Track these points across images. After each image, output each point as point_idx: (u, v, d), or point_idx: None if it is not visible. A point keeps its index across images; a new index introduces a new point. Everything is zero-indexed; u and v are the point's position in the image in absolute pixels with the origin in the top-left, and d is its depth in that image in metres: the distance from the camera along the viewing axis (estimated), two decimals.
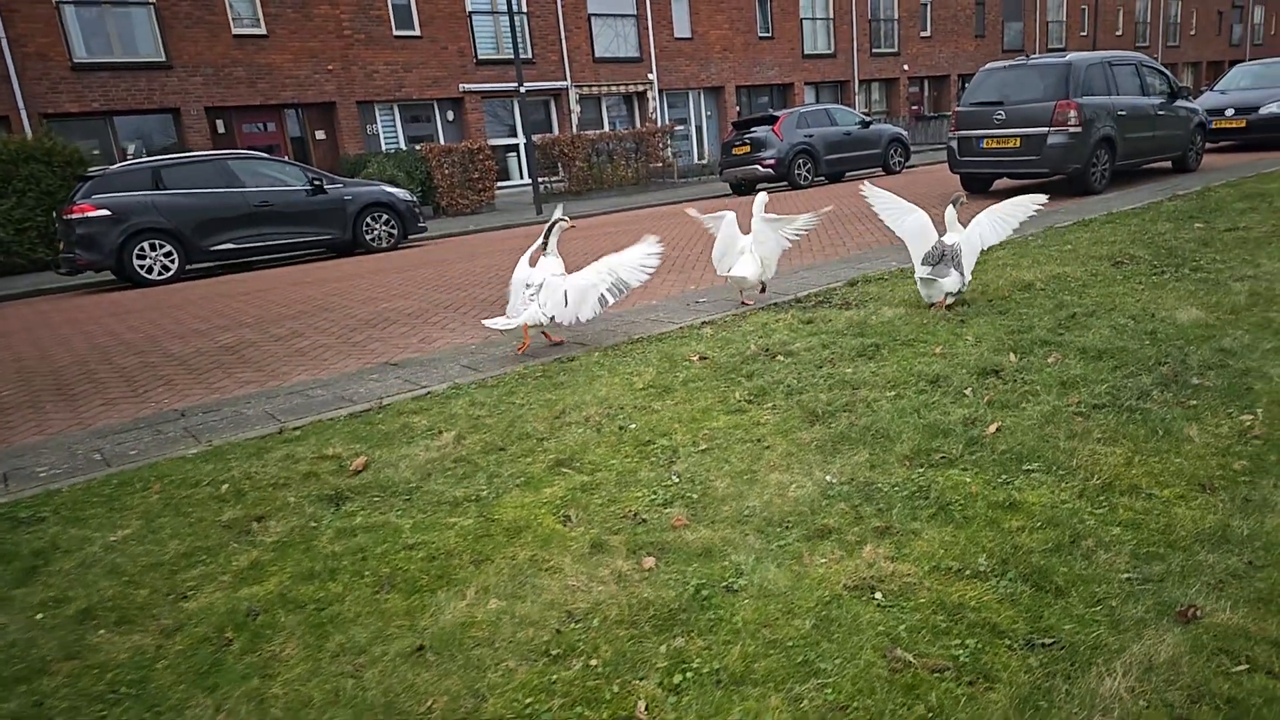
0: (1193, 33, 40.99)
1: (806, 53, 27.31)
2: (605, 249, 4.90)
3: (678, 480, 2.56)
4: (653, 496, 2.45)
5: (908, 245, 4.74)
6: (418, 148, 18.52)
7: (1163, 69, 11.07)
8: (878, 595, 1.82)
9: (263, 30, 17.95)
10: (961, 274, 4.41)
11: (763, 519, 2.25)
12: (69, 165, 13.57)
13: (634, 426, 3.06)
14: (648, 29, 23.57)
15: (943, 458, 2.52)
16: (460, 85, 20.70)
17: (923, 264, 4.50)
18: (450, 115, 21.14)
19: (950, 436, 2.66)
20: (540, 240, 4.60)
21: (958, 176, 10.93)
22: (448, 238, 14.15)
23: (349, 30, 19.02)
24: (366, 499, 2.65)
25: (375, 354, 5.11)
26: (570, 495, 2.51)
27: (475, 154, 18.35)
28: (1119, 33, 37.15)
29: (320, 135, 19.53)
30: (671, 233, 10.16)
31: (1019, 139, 9.79)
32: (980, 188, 11.01)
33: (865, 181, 5.10)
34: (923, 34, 30.36)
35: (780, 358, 3.81)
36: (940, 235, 4.59)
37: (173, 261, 10.81)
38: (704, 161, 24.57)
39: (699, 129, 25.90)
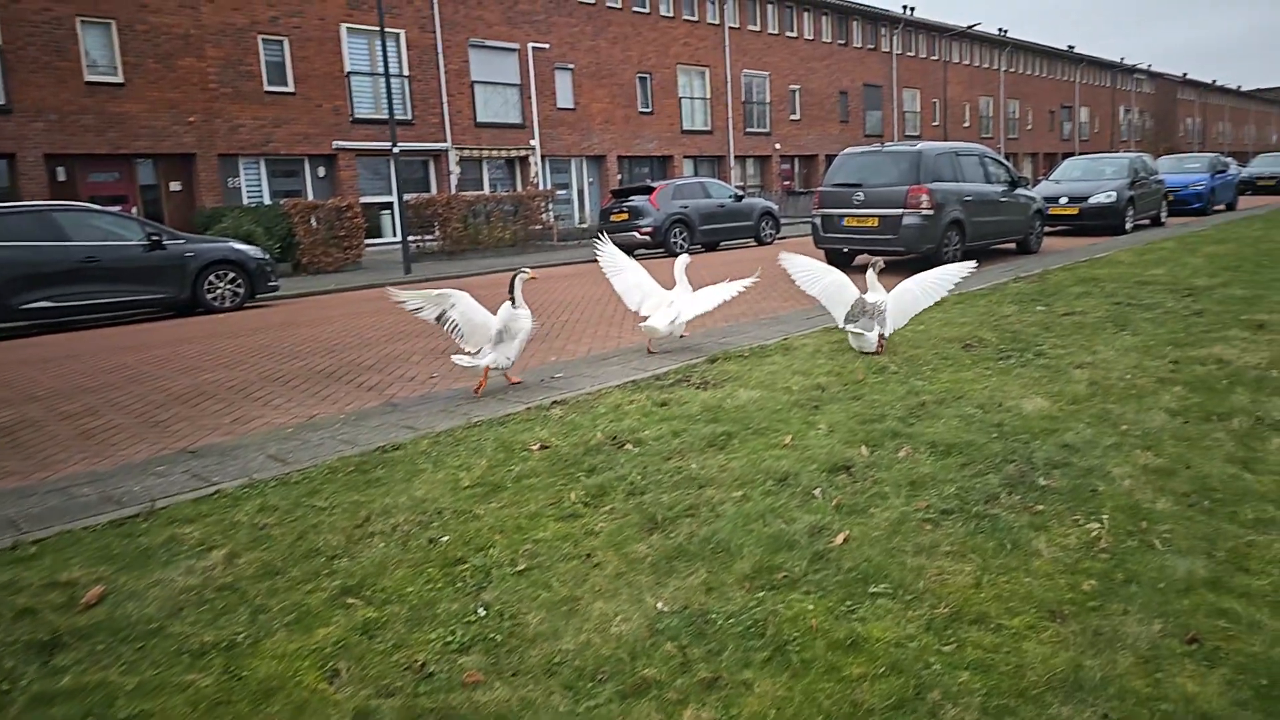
0: (1029, 128, 45.88)
1: (685, 128, 28.28)
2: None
3: (484, 613, 2.16)
4: (449, 638, 2.04)
5: (825, 303, 5.38)
6: (281, 203, 17.55)
7: (1003, 160, 11.96)
8: None
9: (119, 79, 16.92)
10: (882, 327, 5.04)
11: (575, 668, 1.88)
12: None
13: (446, 539, 2.64)
14: (531, 98, 23.71)
15: (785, 577, 2.25)
16: (334, 142, 20.01)
17: (847, 321, 5.17)
18: (321, 171, 20.30)
19: (795, 550, 2.40)
20: (508, 294, 4.89)
21: (823, 251, 11.28)
22: (303, 297, 13.26)
23: (215, 84, 18.08)
24: (88, 647, 2.10)
25: (177, 437, 4.45)
26: (347, 638, 2.05)
27: (344, 211, 17.54)
28: (966, 124, 40.92)
29: (176, 186, 18.23)
30: (544, 297, 9.84)
31: (877, 219, 10.21)
32: (842, 261, 11.38)
33: (782, 252, 5.75)
34: (792, 117, 32.25)
35: (628, 446, 3.51)
36: (861, 294, 5.19)
37: None
38: (585, 225, 24.66)
39: (581, 194, 26.07)
